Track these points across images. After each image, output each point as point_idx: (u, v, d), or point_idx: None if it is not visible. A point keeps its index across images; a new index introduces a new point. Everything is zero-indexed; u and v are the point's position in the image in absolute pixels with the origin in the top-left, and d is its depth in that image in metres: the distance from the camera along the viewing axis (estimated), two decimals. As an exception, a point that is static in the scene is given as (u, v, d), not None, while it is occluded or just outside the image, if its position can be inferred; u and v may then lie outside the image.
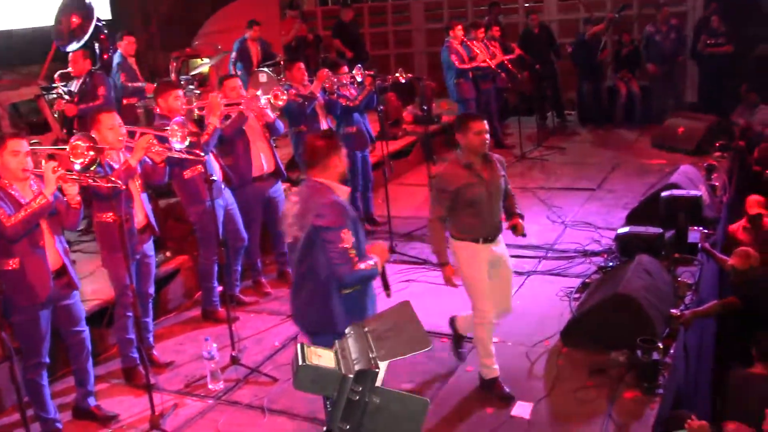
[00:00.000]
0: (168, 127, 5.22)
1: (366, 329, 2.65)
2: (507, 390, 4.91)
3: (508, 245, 5.12)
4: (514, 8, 14.02)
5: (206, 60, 10.32)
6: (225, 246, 5.83)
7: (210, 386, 5.27)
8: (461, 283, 4.92)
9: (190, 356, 5.76)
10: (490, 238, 4.85)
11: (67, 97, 7.68)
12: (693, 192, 6.95)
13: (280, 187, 6.76)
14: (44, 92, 8.26)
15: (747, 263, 5.73)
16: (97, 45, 8.98)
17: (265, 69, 10.19)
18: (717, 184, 8.36)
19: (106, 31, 9.24)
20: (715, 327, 6.30)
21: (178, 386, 5.36)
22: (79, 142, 4.39)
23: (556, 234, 7.62)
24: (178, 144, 5.16)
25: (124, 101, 8.50)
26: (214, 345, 5.29)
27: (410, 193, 9.35)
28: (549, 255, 7.12)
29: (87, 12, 8.71)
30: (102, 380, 5.45)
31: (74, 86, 7.77)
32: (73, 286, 4.69)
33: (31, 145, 4.67)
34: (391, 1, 14.90)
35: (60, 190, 4.47)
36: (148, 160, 5.19)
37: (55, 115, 7.95)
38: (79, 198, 4.50)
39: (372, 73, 7.74)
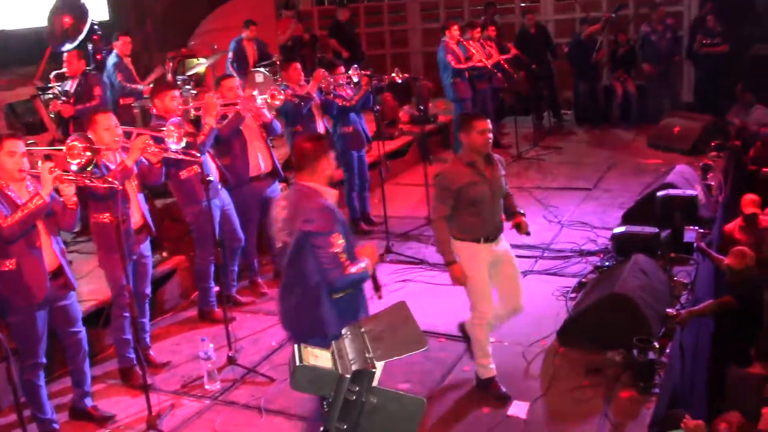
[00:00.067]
0: (164, 128, 5.22)
1: (362, 329, 2.66)
2: (503, 390, 4.92)
3: (504, 245, 5.13)
4: (511, 8, 14.04)
5: (202, 60, 10.31)
6: (221, 246, 5.83)
7: (207, 386, 5.27)
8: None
9: (186, 356, 5.76)
10: (491, 237, 4.84)
11: (63, 98, 7.67)
12: (689, 192, 6.97)
13: (278, 187, 6.75)
14: (40, 92, 8.26)
15: (743, 263, 5.74)
16: (90, 45, 8.99)
17: (261, 69, 10.19)
18: (713, 183, 8.38)
19: (99, 32, 9.24)
20: (712, 327, 6.32)
21: (174, 386, 5.36)
22: (76, 143, 4.38)
23: (552, 234, 7.63)
24: (175, 144, 5.15)
25: (121, 101, 8.50)
26: (211, 345, 5.28)
27: (407, 193, 9.35)
28: (545, 255, 7.13)
29: (80, 12, 8.72)
30: (99, 381, 5.45)
31: (70, 87, 7.76)
32: (70, 287, 4.68)
33: (27, 145, 4.66)
34: (387, 0, 14.90)
35: (56, 190, 4.47)
36: (144, 160, 5.18)
37: (51, 116, 7.95)
38: (75, 199, 4.49)
39: (368, 73, 7.75)
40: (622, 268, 5.77)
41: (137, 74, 8.91)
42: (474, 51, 9.96)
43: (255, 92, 6.38)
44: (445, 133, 11.58)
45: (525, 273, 6.71)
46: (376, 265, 4.14)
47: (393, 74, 8.15)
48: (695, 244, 6.46)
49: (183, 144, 5.20)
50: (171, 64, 9.83)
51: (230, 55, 10.44)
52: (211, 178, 5.67)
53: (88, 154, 4.36)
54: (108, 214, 4.94)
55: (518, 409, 4.78)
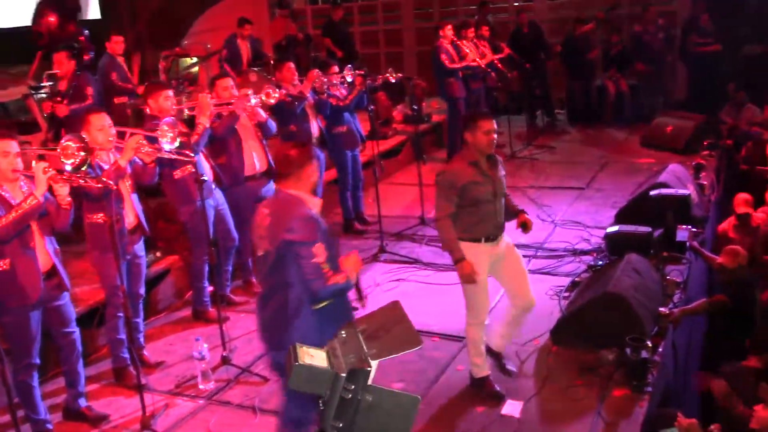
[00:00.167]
0: (158, 128, 5.22)
1: (357, 329, 2.67)
2: (497, 388, 4.93)
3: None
4: (504, 7, 14.07)
5: (196, 59, 10.31)
6: (215, 246, 5.83)
7: (201, 386, 5.27)
8: (459, 282, 4.87)
9: (180, 356, 5.75)
10: (492, 237, 4.80)
11: (58, 98, 7.64)
12: (681, 191, 6.99)
13: (272, 186, 6.73)
14: (33, 92, 8.23)
15: (735, 261, 5.77)
16: (75, 45, 8.97)
17: (255, 69, 10.18)
18: (705, 182, 8.42)
19: (85, 32, 9.22)
20: (704, 326, 6.35)
21: (168, 386, 5.35)
22: (70, 143, 4.37)
23: (545, 233, 7.64)
24: (168, 144, 5.14)
25: (115, 100, 8.48)
26: (205, 345, 5.28)
27: (400, 193, 9.36)
28: (539, 254, 7.14)
29: (66, 11, 8.70)
30: (93, 381, 5.44)
31: (62, 87, 7.72)
32: (64, 287, 4.67)
33: (21, 145, 4.65)
34: (380, -1, 14.94)
35: (50, 191, 4.46)
36: (138, 160, 5.18)
37: (44, 116, 7.92)
38: (69, 199, 4.47)
39: (362, 72, 7.75)
40: (615, 268, 5.79)
41: (130, 73, 8.90)
42: (467, 51, 9.98)
43: (249, 92, 6.38)
44: (438, 133, 11.60)
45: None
46: (360, 275, 4.04)
47: (387, 74, 8.15)
48: (688, 243, 6.48)
49: (177, 144, 5.19)
50: (164, 64, 9.82)
51: (224, 53, 10.44)
52: (205, 178, 5.66)
53: (82, 154, 4.35)
54: (102, 215, 4.94)
55: (512, 408, 4.79)
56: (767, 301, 5.61)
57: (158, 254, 6.73)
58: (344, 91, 7.75)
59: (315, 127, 7.52)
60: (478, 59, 10.00)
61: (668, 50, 12.21)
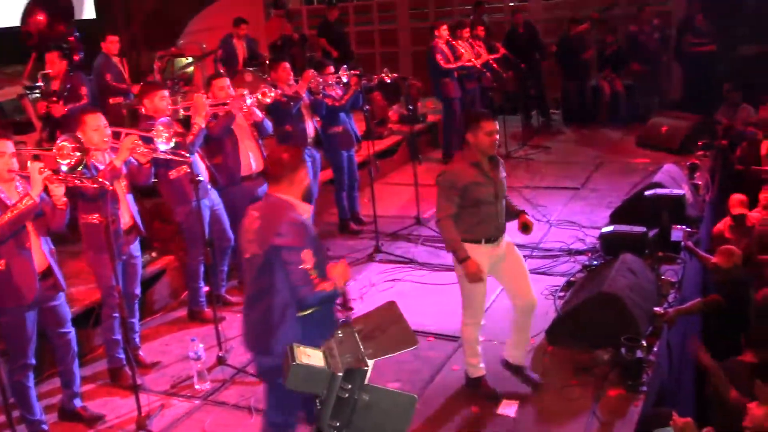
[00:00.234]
0: (153, 128, 5.21)
1: (354, 329, 2.68)
2: (493, 388, 4.94)
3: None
4: (499, 7, 14.08)
5: (191, 59, 10.30)
6: (211, 246, 5.83)
7: (196, 386, 5.27)
8: (457, 282, 4.88)
9: (176, 357, 5.75)
10: (492, 239, 4.79)
11: (54, 98, 7.62)
12: (676, 191, 7.02)
13: (268, 187, 6.74)
14: (28, 92, 8.21)
15: (730, 261, 5.78)
16: (65, 45, 8.95)
17: (250, 69, 10.18)
18: (700, 182, 8.44)
19: (76, 33, 9.19)
20: (699, 325, 6.36)
21: (164, 387, 5.35)
22: (66, 143, 4.36)
23: (541, 233, 7.63)
24: (164, 145, 5.14)
25: (111, 100, 8.46)
26: (201, 345, 5.28)
27: (396, 193, 9.37)
28: (534, 254, 7.15)
29: (59, 11, 8.68)
30: (88, 381, 5.43)
31: (55, 87, 7.70)
32: (59, 288, 4.67)
33: (16, 145, 4.64)
34: (376, -1, 14.94)
35: (46, 191, 4.45)
36: (133, 160, 5.17)
37: (38, 116, 7.90)
38: (65, 199, 4.46)
39: (358, 72, 7.75)
40: (610, 268, 5.80)
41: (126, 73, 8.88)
42: (463, 51, 9.99)
43: (245, 92, 6.37)
44: (434, 133, 11.61)
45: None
46: (347, 284, 4.00)
47: (382, 74, 8.15)
48: (683, 243, 6.50)
49: (172, 144, 5.19)
50: (159, 64, 9.81)
51: (219, 53, 10.44)
52: (201, 178, 5.66)
53: (78, 154, 4.34)
54: (97, 215, 4.93)
55: (507, 407, 4.80)
56: (762, 300, 5.63)
57: (154, 254, 6.72)
58: (340, 92, 7.75)
59: (311, 127, 7.51)
60: (473, 59, 10.01)
61: (663, 50, 12.23)
